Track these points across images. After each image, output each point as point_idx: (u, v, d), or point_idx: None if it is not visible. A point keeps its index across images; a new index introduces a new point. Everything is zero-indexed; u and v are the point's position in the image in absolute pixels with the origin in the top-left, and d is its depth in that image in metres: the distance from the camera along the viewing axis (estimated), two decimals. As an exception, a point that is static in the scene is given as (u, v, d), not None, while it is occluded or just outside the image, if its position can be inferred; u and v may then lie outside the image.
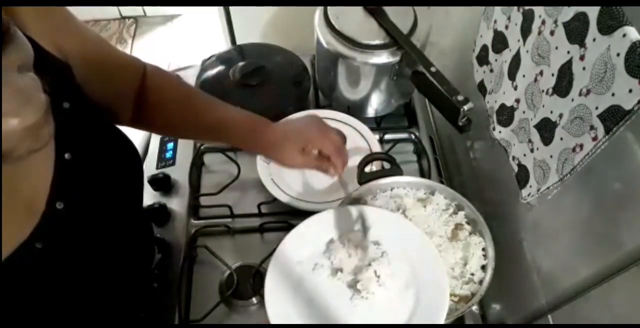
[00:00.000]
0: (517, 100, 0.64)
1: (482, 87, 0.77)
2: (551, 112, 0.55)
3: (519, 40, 0.62)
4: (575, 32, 0.49)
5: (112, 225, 0.57)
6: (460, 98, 0.72)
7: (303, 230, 0.65)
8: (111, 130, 0.59)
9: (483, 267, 0.70)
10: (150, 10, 2.36)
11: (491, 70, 0.73)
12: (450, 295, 0.69)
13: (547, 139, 0.56)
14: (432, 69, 0.77)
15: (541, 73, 0.57)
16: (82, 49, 0.54)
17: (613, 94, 0.43)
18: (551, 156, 0.55)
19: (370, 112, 0.99)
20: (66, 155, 0.48)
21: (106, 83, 0.59)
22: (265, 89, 0.98)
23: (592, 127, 0.46)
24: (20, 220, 0.45)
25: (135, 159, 0.62)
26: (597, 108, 0.45)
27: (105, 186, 0.55)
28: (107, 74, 0.59)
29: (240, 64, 1.00)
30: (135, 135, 1.04)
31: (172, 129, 0.73)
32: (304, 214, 0.85)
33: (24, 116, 0.35)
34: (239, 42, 1.32)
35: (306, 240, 0.65)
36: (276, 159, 0.69)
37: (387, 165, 0.81)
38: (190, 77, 1.06)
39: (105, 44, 0.61)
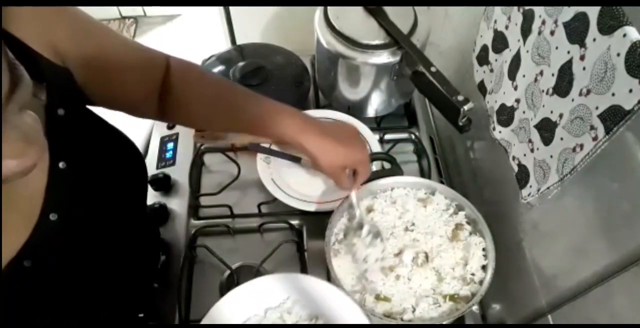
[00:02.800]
0: (517, 100, 0.64)
1: (482, 87, 0.77)
2: (551, 112, 0.55)
3: (519, 40, 0.62)
4: (576, 32, 0.49)
5: (112, 232, 0.56)
6: (460, 98, 0.72)
7: (236, 296, 0.67)
8: (111, 134, 0.57)
9: (483, 267, 0.70)
10: (150, 10, 2.36)
11: (491, 70, 0.73)
12: (451, 295, 0.69)
13: (547, 139, 0.56)
14: (432, 69, 0.77)
15: (541, 73, 0.57)
16: (85, 50, 0.52)
17: (613, 94, 0.43)
18: (551, 156, 0.55)
19: (370, 112, 0.99)
20: (60, 164, 0.47)
21: (119, 82, 0.57)
22: (265, 89, 0.98)
23: (592, 127, 0.46)
24: (14, 235, 0.44)
25: (138, 161, 0.61)
26: (597, 108, 0.45)
27: (105, 193, 0.53)
28: (119, 74, 0.57)
29: (240, 64, 1.00)
30: (136, 136, 1.04)
31: (210, 123, 0.70)
32: (304, 214, 0.86)
33: (25, 157, 0.35)
34: (239, 42, 1.33)
35: (240, 307, 0.67)
36: (312, 160, 0.67)
37: (387, 165, 0.81)
38: (190, 77, 1.06)
39: (119, 41, 0.58)
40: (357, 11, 0.86)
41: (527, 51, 0.59)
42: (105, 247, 0.56)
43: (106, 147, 0.55)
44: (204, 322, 0.64)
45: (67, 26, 0.50)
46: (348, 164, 0.68)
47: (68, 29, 0.50)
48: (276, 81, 0.99)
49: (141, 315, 0.73)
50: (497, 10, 0.67)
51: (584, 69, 0.47)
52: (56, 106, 0.47)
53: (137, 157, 0.61)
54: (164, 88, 0.63)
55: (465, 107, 0.71)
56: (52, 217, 0.46)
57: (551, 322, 0.63)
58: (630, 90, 0.41)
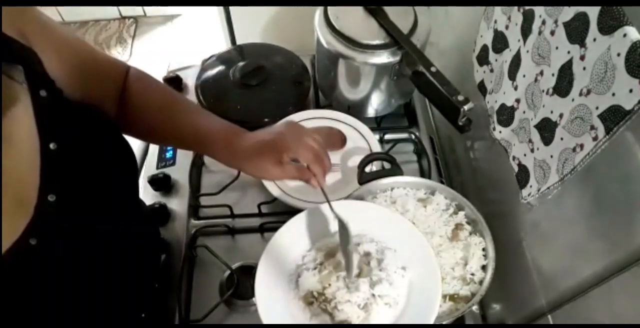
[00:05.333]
0: (518, 100, 0.64)
1: (482, 87, 0.77)
2: (551, 112, 0.55)
3: (519, 40, 0.62)
4: (576, 32, 0.49)
5: (109, 219, 0.57)
6: (460, 98, 0.72)
7: (294, 226, 0.66)
8: (94, 118, 0.57)
9: (483, 267, 0.70)
10: (150, 10, 2.36)
11: (491, 70, 0.73)
12: (451, 295, 0.69)
13: (547, 139, 0.56)
14: (432, 69, 0.77)
15: (541, 73, 0.57)
16: (58, 51, 0.53)
17: (613, 94, 0.43)
18: (551, 156, 0.55)
19: (370, 112, 0.99)
20: (51, 145, 0.47)
21: (86, 85, 0.57)
22: (265, 89, 0.98)
23: (592, 127, 0.46)
24: (11, 216, 0.44)
25: (123, 146, 0.61)
26: (597, 108, 0.45)
27: (96, 176, 0.54)
28: (87, 76, 0.57)
29: (240, 64, 1.00)
30: (136, 135, 1.04)
31: (152, 133, 0.71)
32: (304, 214, 0.86)
33: None
34: (239, 42, 1.32)
35: (298, 237, 0.67)
36: (252, 173, 0.65)
37: (387, 165, 0.81)
38: (190, 77, 1.06)
39: (85, 46, 0.60)
40: (357, 11, 0.86)
41: (527, 51, 0.59)
42: (102, 236, 0.56)
43: (91, 129, 0.55)
44: (262, 259, 0.63)
45: (35, 22, 0.51)
46: (278, 155, 0.63)
47: (36, 25, 0.51)
48: (276, 81, 0.99)
49: (142, 315, 0.73)
50: (497, 10, 0.67)
51: (584, 69, 0.48)
52: (38, 88, 0.47)
53: (120, 140, 0.61)
54: (123, 94, 0.65)
55: (465, 107, 0.71)
56: (51, 198, 0.47)
57: (551, 322, 0.63)
58: (631, 90, 0.41)
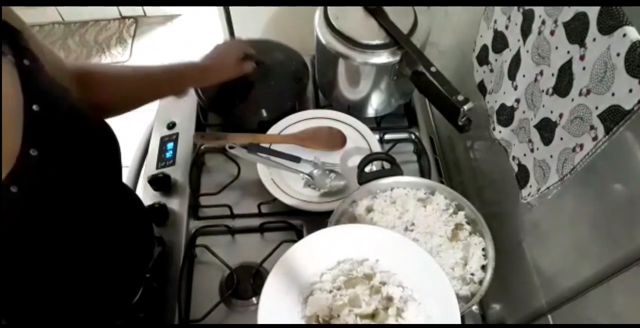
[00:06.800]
0: (517, 100, 0.64)
1: (482, 87, 0.77)
2: (551, 112, 0.55)
3: (519, 40, 0.62)
4: (576, 32, 0.49)
5: (91, 188, 0.58)
6: (460, 98, 0.72)
7: (309, 245, 0.63)
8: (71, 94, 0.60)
9: (483, 267, 0.70)
10: (150, 10, 2.36)
11: (491, 70, 0.73)
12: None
13: (547, 139, 0.56)
14: (432, 69, 0.77)
15: (541, 73, 0.57)
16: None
17: (613, 94, 0.43)
18: (551, 156, 0.55)
19: (370, 112, 0.99)
20: (34, 107, 0.50)
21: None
22: (264, 84, 0.98)
23: (592, 127, 0.46)
24: None
25: (101, 122, 0.63)
26: (597, 108, 0.45)
27: (77, 141, 0.56)
28: (50, 62, 0.60)
29: (240, 60, 1.00)
30: (135, 135, 1.04)
31: (129, 99, 0.77)
32: (304, 214, 0.86)
33: None
34: (238, 42, 1.32)
35: (322, 252, 0.64)
36: (221, 75, 0.86)
37: (387, 165, 0.81)
38: (190, 77, 1.06)
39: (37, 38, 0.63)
40: (357, 11, 0.86)
41: (527, 51, 0.59)
42: (88, 198, 0.58)
43: (71, 100, 0.58)
44: (277, 267, 0.61)
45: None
46: (240, 53, 0.89)
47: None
48: (275, 77, 0.99)
49: (141, 315, 0.73)
50: (497, 10, 0.67)
51: (583, 68, 0.48)
52: (21, 58, 0.51)
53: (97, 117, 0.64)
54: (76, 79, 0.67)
55: (465, 107, 0.71)
56: (33, 152, 0.49)
57: (551, 322, 0.63)
58: (630, 90, 0.41)
